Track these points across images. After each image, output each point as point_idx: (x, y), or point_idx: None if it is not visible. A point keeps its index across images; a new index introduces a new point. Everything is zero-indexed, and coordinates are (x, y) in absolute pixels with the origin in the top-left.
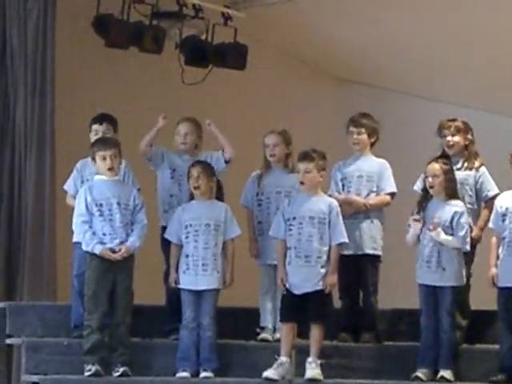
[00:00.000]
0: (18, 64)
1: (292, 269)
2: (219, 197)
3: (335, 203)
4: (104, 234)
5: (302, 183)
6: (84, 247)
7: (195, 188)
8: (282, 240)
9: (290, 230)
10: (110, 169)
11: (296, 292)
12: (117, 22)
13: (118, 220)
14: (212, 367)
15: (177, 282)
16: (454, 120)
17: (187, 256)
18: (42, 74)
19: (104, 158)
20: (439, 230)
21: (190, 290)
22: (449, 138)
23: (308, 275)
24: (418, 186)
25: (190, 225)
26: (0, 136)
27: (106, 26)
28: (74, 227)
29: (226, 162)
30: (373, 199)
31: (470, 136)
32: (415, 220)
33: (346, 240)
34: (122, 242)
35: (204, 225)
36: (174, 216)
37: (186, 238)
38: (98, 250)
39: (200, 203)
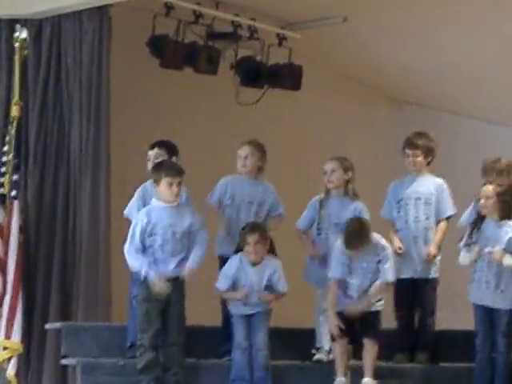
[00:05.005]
0: (72, 84)
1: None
2: (271, 250)
3: (385, 246)
4: (156, 260)
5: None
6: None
7: (250, 253)
8: (336, 281)
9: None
10: (174, 196)
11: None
12: (172, 42)
13: (171, 248)
14: None
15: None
16: (497, 161)
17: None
18: (97, 95)
19: (170, 185)
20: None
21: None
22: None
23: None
24: (465, 220)
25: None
26: (55, 161)
27: (161, 46)
28: (126, 253)
29: None
30: (433, 246)
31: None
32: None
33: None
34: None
35: (255, 287)
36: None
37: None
38: (151, 275)
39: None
